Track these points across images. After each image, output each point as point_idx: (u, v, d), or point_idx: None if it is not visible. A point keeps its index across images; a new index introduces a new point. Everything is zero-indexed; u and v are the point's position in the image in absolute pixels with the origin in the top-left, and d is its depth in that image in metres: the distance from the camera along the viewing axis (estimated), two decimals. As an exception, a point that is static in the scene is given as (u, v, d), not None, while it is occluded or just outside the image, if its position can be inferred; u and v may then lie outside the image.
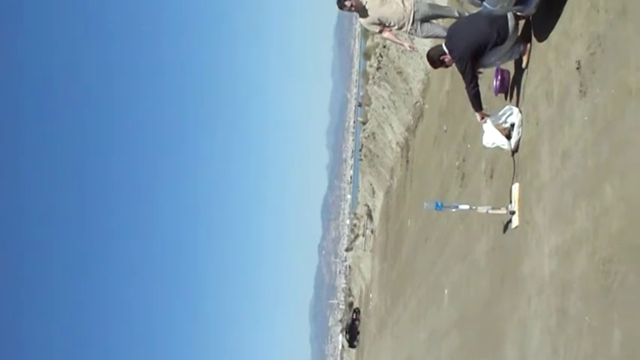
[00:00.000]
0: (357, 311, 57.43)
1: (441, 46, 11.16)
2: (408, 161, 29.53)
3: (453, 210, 12.53)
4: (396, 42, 15.40)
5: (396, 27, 13.85)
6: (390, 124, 32.60)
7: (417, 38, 14.88)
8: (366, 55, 49.16)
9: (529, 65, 10.49)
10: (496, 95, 11.84)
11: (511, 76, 11.42)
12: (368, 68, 43.44)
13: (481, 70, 11.16)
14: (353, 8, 13.98)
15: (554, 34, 9.33)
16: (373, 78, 33.67)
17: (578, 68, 8.20)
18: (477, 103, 11.14)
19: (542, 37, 9.82)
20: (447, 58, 11.02)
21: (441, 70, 12.79)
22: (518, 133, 10.60)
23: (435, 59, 11.39)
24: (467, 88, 10.96)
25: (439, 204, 11.76)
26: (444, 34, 12.03)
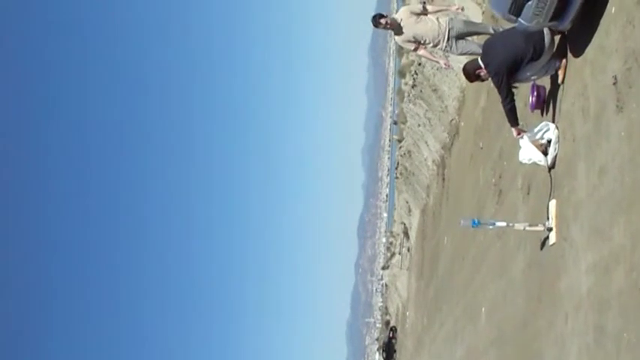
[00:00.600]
0: (393, 329, 57.28)
1: (477, 60, 11.16)
2: (444, 179, 29.48)
3: (490, 227, 12.51)
4: (431, 59, 15.40)
5: (431, 44, 13.84)
6: (426, 142, 32.60)
7: (452, 55, 14.86)
8: (401, 73, 49.17)
9: (565, 81, 10.45)
10: (532, 111, 11.79)
11: (547, 92, 11.37)
12: (403, 86, 43.54)
13: (516, 85, 11.14)
14: (388, 26, 14.00)
15: (590, 49, 9.29)
16: (408, 96, 33.74)
17: (614, 83, 8.16)
18: (513, 118, 11.10)
19: (578, 52, 9.78)
20: (483, 72, 11.01)
21: (476, 86, 12.81)
22: (555, 150, 10.55)
23: (471, 73, 11.38)
24: (503, 102, 10.94)
25: (476, 221, 11.74)
26: (479, 50, 12.01)
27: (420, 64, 29.41)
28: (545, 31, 10.12)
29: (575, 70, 9.94)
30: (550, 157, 10.63)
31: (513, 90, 10.95)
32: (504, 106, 11.00)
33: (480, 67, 11.04)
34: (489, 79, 11.10)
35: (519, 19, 9.95)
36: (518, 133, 11.18)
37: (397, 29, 13.86)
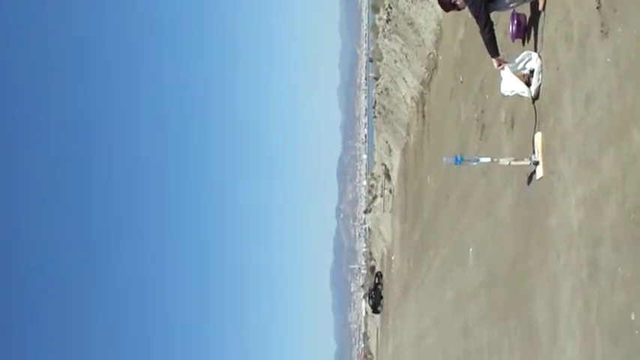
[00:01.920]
0: (379, 275, 57.62)
1: None
2: (424, 116, 29.45)
3: (474, 164, 12.49)
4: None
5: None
6: (404, 79, 32.47)
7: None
8: (375, 8, 48.82)
9: (546, 7, 10.37)
10: (513, 41, 11.73)
11: (528, 20, 11.29)
12: (377, 21, 43.22)
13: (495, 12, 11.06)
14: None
15: (572, -27, 9.21)
16: (383, 31, 33.48)
17: (598, 7, 8.09)
18: (493, 48, 11.03)
19: (558, -24, 9.70)
20: (459, 1, 10.91)
21: (453, 18, 12.70)
22: (539, 80, 10.50)
23: (447, 2, 11.29)
24: (481, 32, 10.86)
25: (459, 158, 11.72)
26: (455, -21, 11.90)
27: (393, -3, 29.19)
28: (524, -46, 10.03)
29: (557, -5, 9.86)
30: (533, 87, 10.59)
31: (492, 19, 10.86)
32: (483, 37, 10.93)
33: (457, -4, 10.93)
34: (466, 8, 11.00)
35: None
36: (500, 64, 11.11)
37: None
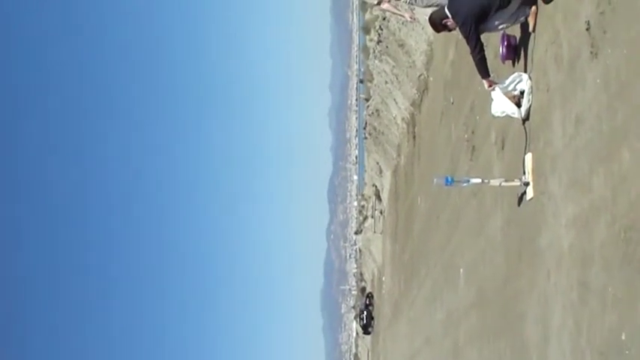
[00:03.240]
0: (370, 296, 57.55)
1: (444, 9, 11.10)
2: (414, 137, 29.50)
3: (465, 185, 12.51)
4: (395, 13, 15.35)
5: (395, -3, 13.77)
6: (395, 100, 32.57)
7: (417, 8, 14.79)
8: (366, 29, 49.17)
9: (536, 28, 10.42)
10: (503, 62, 11.78)
11: (518, 41, 11.35)
12: (368, 43, 43.47)
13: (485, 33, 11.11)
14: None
15: (561, -6, 9.27)
16: (374, 52, 33.65)
17: (587, 29, 8.13)
18: (483, 69, 11.06)
19: (548, -3, 9.76)
20: (450, 21, 10.95)
21: (444, 39, 12.75)
22: (529, 101, 10.54)
23: (438, 23, 11.32)
24: (472, 53, 10.90)
25: (449, 179, 11.73)
26: (445, 1, 11.96)
27: (384, 19, 29.29)
28: (513, -24, 10.08)
29: (547, 16, 9.92)
30: (524, 108, 10.62)
31: (482, 41, 10.91)
32: (474, 58, 10.97)
33: (447, 17, 10.97)
34: (457, 29, 11.04)
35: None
36: (490, 85, 11.14)
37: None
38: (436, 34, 13.86)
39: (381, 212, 51.23)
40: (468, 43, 10.80)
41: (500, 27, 10.83)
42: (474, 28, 10.52)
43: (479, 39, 10.71)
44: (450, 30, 11.40)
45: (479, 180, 11.86)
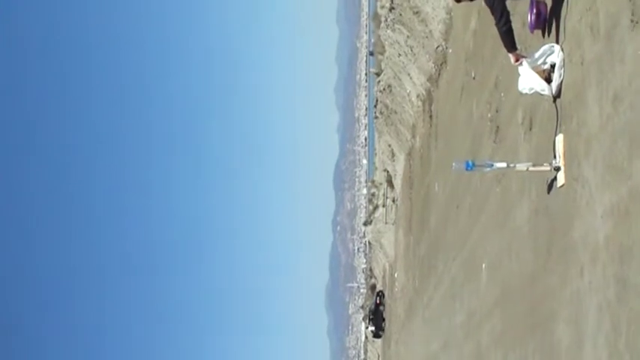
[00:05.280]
0: (381, 294, 57.68)
1: None
2: (431, 116, 29.48)
3: (487, 169, 12.49)
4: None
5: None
6: (409, 74, 32.51)
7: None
8: (376, -5, 48.95)
9: (569, -6, 10.40)
10: (532, 32, 11.74)
11: (549, 9, 11.31)
12: (379, 10, 43.21)
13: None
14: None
15: (598, -44, 9.24)
16: (386, 21, 33.50)
17: (628, -7, 8.11)
18: (509, 42, 11.05)
19: (583, -41, 9.73)
20: (472, -11, 10.94)
21: (465, 5, 12.68)
22: (560, 75, 10.52)
23: (459, -7, 11.31)
24: (497, 25, 10.88)
25: (470, 163, 11.73)
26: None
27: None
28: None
29: (581, -20, 9.89)
30: (555, 84, 10.60)
31: (509, 9, 10.89)
32: (499, 29, 10.95)
33: (469, -16, 10.96)
34: (480, -3, 11.03)
35: None
36: (517, 59, 11.13)
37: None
38: (457, 4, 13.85)
39: (393, 200, 51.30)
40: (493, 13, 10.78)
41: (529, -7, 10.81)
42: (499, -5, 10.50)
43: (505, 8, 10.70)
44: (471, 0, 11.38)
45: (504, 164, 11.85)
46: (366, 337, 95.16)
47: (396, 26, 31.13)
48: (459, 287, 20.11)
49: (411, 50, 30.43)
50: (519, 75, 11.07)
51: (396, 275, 46.00)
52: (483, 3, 11.12)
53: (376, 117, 45.69)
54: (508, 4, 10.79)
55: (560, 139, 10.48)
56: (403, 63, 32.66)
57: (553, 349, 10.74)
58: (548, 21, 11.37)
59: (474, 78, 19.19)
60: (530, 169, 11.21)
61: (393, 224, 50.93)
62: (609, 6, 8.75)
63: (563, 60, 10.46)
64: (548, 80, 10.67)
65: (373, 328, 57.86)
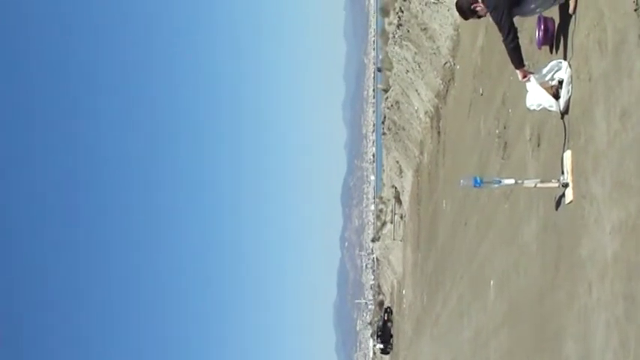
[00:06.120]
0: (388, 311, 57.66)
1: None
2: (439, 132, 29.49)
3: (495, 186, 12.48)
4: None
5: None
6: (416, 90, 32.55)
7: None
8: (384, 11, 49.08)
9: (577, 10, 10.39)
10: (540, 48, 11.75)
11: (556, 25, 11.31)
12: (387, 26, 43.42)
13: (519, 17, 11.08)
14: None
15: (605, -28, 9.23)
16: (394, 37, 33.57)
17: (636, 10, 8.10)
18: (517, 58, 11.04)
19: (590, -25, 9.73)
20: (480, 6, 10.92)
21: (472, 22, 12.70)
22: (568, 92, 10.50)
23: (466, 9, 11.29)
24: (504, 41, 10.87)
25: (478, 180, 11.71)
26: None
27: (405, 0, 29.28)
28: (551, -48, 10.05)
29: (589, -4, 9.88)
30: (562, 100, 10.59)
31: (516, 25, 10.88)
32: (507, 45, 10.94)
33: (477, 1, 10.95)
34: (487, 14, 11.02)
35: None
36: (525, 76, 11.12)
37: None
38: (464, 21, 13.85)
39: (401, 217, 51.28)
40: (500, 29, 10.77)
41: (537, 10, 10.81)
42: (506, 12, 10.49)
43: (512, 24, 10.68)
44: (479, 17, 11.37)
45: (512, 181, 11.84)
46: (374, 354, 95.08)
47: (404, 43, 31.19)
48: (467, 304, 20.08)
49: (419, 67, 30.48)
50: (527, 91, 11.06)
51: (404, 292, 45.99)
52: (491, 19, 11.12)
53: (384, 133, 45.77)
54: (516, 20, 10.78)
55: (568, 155, 10.47)
56: (411, 79, 32.72)
57: (561, 366, 10.70)
58: (555, 37, 11.36)
59: (481, 94, 19.20)
60: (538, 185, 11.19)
61: (400, 241, 50.92)
62: (617, 22, 8.74)
63: (571, 76, 10.44)
64: (556, 96, 10.66)
65: (381, 345, 57.86)
